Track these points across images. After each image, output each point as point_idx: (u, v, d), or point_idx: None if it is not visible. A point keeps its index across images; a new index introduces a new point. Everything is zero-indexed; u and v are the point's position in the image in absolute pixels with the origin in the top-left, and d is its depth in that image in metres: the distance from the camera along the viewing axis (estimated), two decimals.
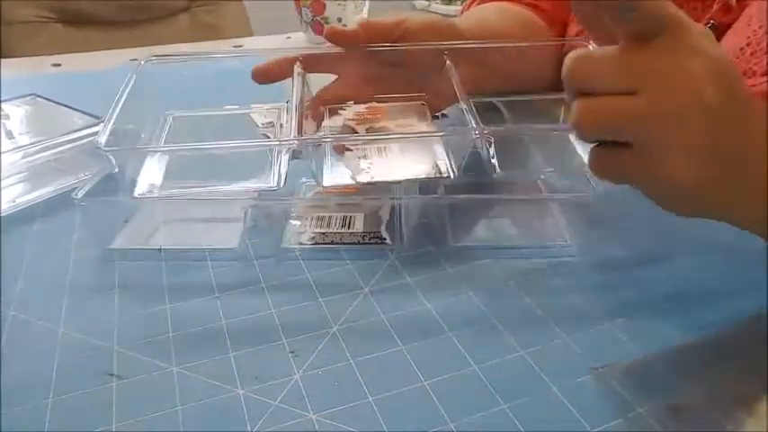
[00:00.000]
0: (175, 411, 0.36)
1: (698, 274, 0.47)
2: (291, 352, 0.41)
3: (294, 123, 0.50)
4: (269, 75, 0.59)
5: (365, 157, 0.51)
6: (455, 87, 0.54)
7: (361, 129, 0.55)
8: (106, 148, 0.47)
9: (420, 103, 0.60)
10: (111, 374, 0.39)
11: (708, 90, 0.35)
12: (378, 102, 0.59)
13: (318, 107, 0.59)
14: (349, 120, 0.57)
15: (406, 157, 0.51)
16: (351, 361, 0.40)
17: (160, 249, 0.50)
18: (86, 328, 0.43)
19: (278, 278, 0.47)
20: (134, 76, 0.56)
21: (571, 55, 0.37)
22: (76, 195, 0.49)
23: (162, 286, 0.47)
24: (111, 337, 0.42)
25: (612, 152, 0.38)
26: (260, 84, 0.59)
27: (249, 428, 0.35)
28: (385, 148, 0.52)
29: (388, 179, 0.50)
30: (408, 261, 0.49)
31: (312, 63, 0.59)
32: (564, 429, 0.35)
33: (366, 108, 0.58)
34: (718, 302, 0.44)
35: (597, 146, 0.38)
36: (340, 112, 0.58)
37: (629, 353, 0.40)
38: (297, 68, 0.58)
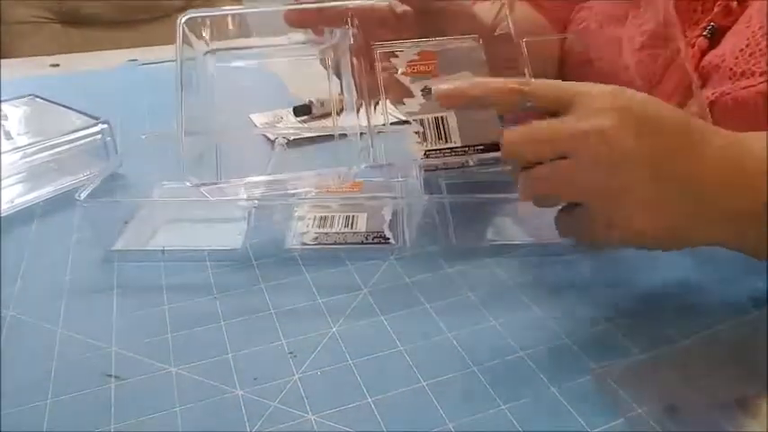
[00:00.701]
0: (174, 412, 0.36)
1: (698, 273, 0.47)
2: (290, 353, 0.40)
3: (366, 110, 0.47)
4: (304, 20, 0.52)
5: (424, 139, 0.49)
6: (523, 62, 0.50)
7: (415, 88, 0.52)
8: (199, 186, 0.43)
9: (474, 42, 0.55)
10: (110, 375, 0.39)
11: (626, 143, 0.37)
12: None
13: (368, 55, 0.52)
14: (402, 74, 0.53)
15: (466, 138, 0.49)
16: (350, 362, 0.40)
17: (163, 251, 0.50)
18: (85, 328, 0.43)
19: (277, 278, 0.47)
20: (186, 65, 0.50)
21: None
22: (80, 196, 0.49)
23: (161, 287, 0.47)
24: (110, 338, 0.42)
25: (573, 216, 0.41)
26: (291, 26, 0.52)
27: (248, 429, 0.35)
28: (445, 119, 0.50)
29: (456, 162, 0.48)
30: (408, 261, 0.49)
31: (366, 22, 0.52)
32: (563, 429, 0.35)
33: (418, 55, 0.54)
34: (717, 302, 0.44)
35: (561, 211, 0.42)
36: (392, 59, 0.54)
37: (629, 353, 0.40)
38: (354, 31, 0.50)
